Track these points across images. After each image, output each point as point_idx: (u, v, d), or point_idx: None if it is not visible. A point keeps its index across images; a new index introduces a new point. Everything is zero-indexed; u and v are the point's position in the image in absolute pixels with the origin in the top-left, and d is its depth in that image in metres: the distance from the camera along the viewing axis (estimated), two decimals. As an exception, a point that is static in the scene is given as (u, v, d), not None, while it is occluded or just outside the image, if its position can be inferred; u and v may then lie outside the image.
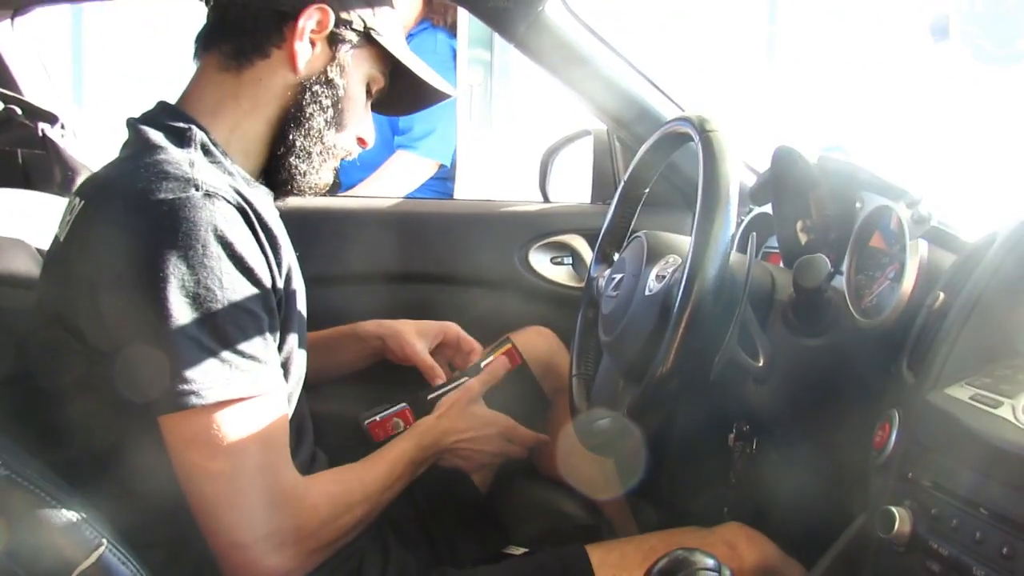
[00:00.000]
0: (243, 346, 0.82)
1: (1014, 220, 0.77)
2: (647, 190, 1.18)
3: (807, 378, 0.93)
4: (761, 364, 0.88)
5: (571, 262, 1.57)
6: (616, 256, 1.16)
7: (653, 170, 1.16)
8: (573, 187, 1.70)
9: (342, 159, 1.06)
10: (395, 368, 1.45)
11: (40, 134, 1.38)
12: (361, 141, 1.06)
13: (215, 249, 0.81)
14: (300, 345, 0.98)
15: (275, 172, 1.00)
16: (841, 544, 0.83)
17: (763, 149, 1.15)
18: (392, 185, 2.30)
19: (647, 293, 0.98)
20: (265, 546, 0.84)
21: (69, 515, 0.72)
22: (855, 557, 0.79)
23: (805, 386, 0.93)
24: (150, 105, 0.98)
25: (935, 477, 0.70)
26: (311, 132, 0.98)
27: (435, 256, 1.48)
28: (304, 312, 1.02)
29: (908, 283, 0.82)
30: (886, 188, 0.91)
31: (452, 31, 2.44)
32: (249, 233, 0.85)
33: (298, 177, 1.00)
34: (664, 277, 0.97)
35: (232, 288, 0.82)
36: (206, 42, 0.97)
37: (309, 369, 1.01)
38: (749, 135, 1.37)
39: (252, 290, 0.84)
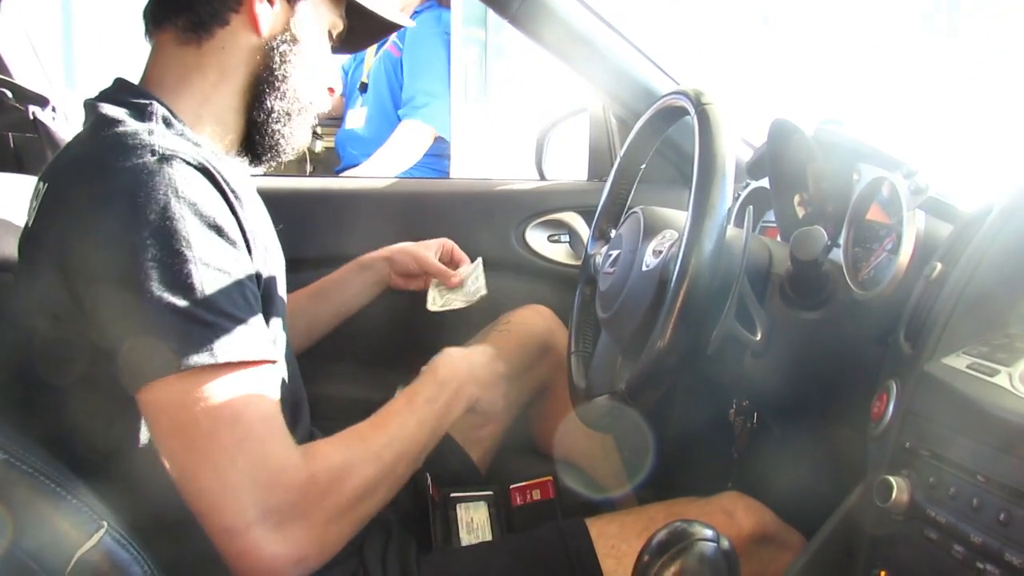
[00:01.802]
0: (223, 307, 0.76)
1: (1011, 190, 0.76)
2: (643, 166, 1.18)
3: (805, 351, 0.93)
4: (759, 338, 0.88)
5: (568, 240, 1.57)
6: (613, 232, 1.15)
7: (649, 146, 1.16)
8: (570, 164, 1.70)
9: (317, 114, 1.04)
10: (394, 348, 1.45)
11: (31, 117, 1.37)
12: (330, 90, 1.04)
13: (177, 210, 0.76)
14: (284, 328, 0.97)
15: (258, 140, 0.98)
16: (840, 514, 0.84)
17: (760, 123, 1.15)
18: (401, 151, 2.33)
19: (644, 269, 0.98)
20: (262, 529, 0.75)
21: (69, 499, 0.73)
22: (854, 526, 0.80)
23: (803, 359, 0.94)
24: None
25: (932, 446, 0.70)
26: (287, 93, 0.97)
27: (432, 235, 1.47)
28: (285, 297, 1.00)
29: (905, 254, 0.82)
30: (883, 160, 0.91)
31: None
32: (216, 193, 0.81)
33: (282, 142, 0.99)
34: (661, 252, 0.97)
35: (203, 248, 0.76)
36: (157, 18, 0.94)
37: (319, 317, 1.00)
38: (746, 109, 1.36)
39: (226, 249, 0.79)
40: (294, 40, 0.96)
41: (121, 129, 0.84)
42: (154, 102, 0.89)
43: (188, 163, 0.80)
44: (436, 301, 1.33)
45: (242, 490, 0.75)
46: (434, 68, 2.38)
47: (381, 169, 2.30)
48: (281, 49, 0.95)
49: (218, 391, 0.75)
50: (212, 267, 0.77)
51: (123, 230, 0.75)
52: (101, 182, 0.78)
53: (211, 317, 0.75)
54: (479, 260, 1.36)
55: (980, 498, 0.64)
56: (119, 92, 0.92)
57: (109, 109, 0.87)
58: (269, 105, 0.96)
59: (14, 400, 0.87)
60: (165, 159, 0.79)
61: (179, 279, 0.75)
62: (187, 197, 0.78)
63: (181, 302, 0.74)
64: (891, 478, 0.71)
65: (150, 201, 0.76)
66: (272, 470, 0.76)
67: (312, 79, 0.99)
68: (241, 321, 0.78)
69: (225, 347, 0.75)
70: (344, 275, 1.32)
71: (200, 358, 0.74)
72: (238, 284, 0.79)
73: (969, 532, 0.64)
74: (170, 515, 0.85)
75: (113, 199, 0.77)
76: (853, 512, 0.82)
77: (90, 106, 0.90)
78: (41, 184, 0.87)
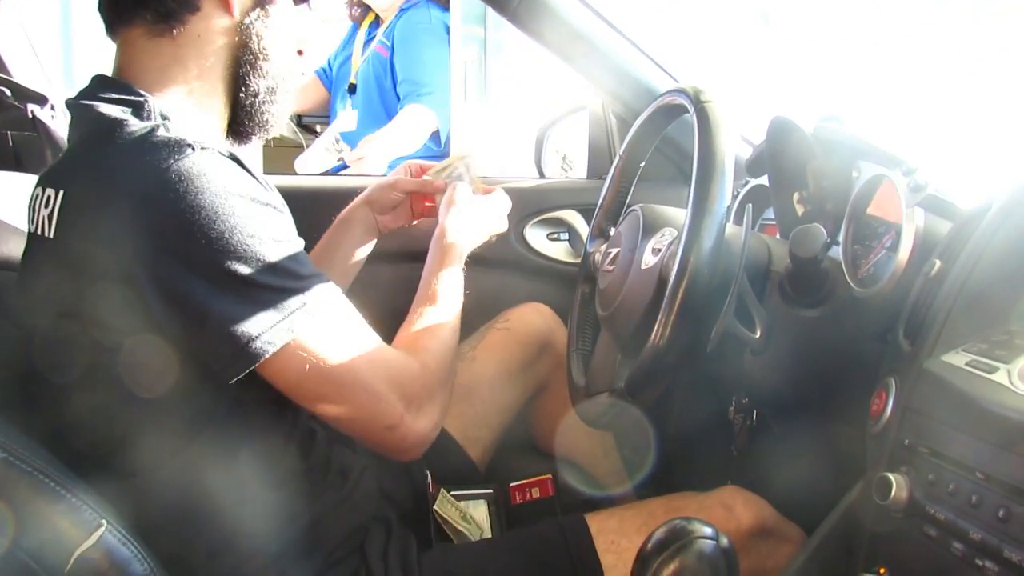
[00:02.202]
0: (299, 270, 0.83)
1: (1010, 187, 0.76)
2: (643, 164, 1.18)
3: (804, 348, 0.93)
4: (758, 335, 0.89)
5: (567, 238, 1.57)
6: (612, 231, 1.15)
7: (649, 143, 1.16)
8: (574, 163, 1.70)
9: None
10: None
11: (30, 115, 1.37)
12: (299, 52, 1.02)
13: (236, 196, 0.79)
14: None
15: (247, 121, 0.97)
16: (839, 511, 0.84)
17: (759, 121, 1.15)
18: (405, 133, 2.33)
19: (643, 267, 0.98)
20: (411, 415, 0.89)
21: (69, 497, 0.73)
22: (853, 523, 0.80)
23: (802, 357, 0.94)
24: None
25: (931, 443, 0.70)
26: (269, 71, 0.95)
27: (430, 232, 1.47)
28: None
29: (904, 252, 0.82)
30: (882, 157, 0.91)
31: (444, 5, 2.43)
32: (250, 175, 0.84)
33: (271, 119, 0.98)
34: (660, 250, 0.97)
35: (267, 227, 0.81)
36: (122, 13, 0.90)
37: None
38: (745, 106, 1.36)
39: (283, 221, 0.85)
40: (264, 12, 0.94)
41: (136, 128, 0.83)
42: (148, 98, 0.87)
43: (221, 153, 0.82)
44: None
45: (388, 393, 0.88)
46: (428, 63, 2.37)
47: (383, 148, 2.29)
48: (255, 25, 0.93)
49: (329, 334, 0.84)
50: (282, 241, 0.83)
51: (192, 227, 0.77)
52: (152, 184, 0.78)
53: (294, 283, 0.82)
54: (461, 152, 1.33)
55: (979, 495, 0.64)
56: (106, 90, 0.89)
57: (109, 109, 0.85)
58: (255, 87, 0.94)
59: (15, 398, 0.87)
60: (204, 150, 0.80)
61: (262, 260, 0.80)
62: (239, 182, 0.81)
63: (271, 279, 0.80)
64: (890, 475, 0.71)
65: (211, 193, 0.78)
66: (399, 369, 0.91)
67: (287, 48, 0.98)
68: (316, 276, 0.85)
69: (315, 299, 0.83)
70: (330, 240, 1.27)
71: (305, 319, 0.82)
72: (300, 248, 0.86)
73: (968, 529, 0.64)
74: (172, 512, 0.85)
75: (174, 199, 0.77)
76: (852, 509, 0.82)
77: (81, 107, 0.88)
78: (51, 191, 0.85)
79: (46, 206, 0.85)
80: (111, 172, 0.81)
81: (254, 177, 0.84)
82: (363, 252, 1.29)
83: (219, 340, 0.79)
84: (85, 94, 0.90)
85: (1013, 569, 0.60)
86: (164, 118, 0.86)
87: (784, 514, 1.06)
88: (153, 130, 0.82)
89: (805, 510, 1.04)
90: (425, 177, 1.28)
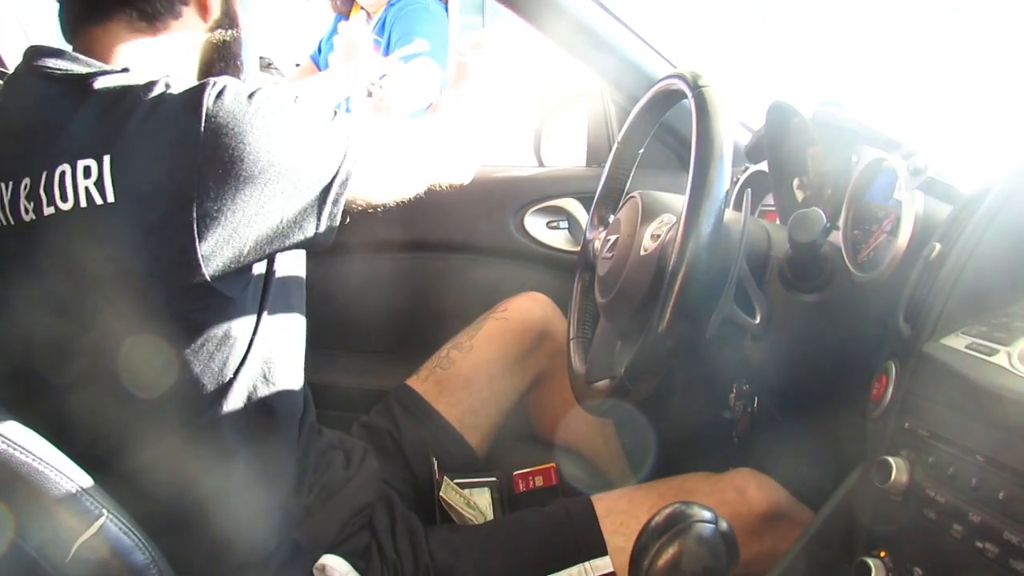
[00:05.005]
0: (337, 120, 0.89)
1: (1010, 170, 0.76)
2: (641, 151, 1.17)
3: (804, 334, 0.93)
4: (758, 321, 0.88)
5: (567, 226, 1.57)
6: (612, 218, 1.15)
7: (647, 130, 1.15)
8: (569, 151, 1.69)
9: None
10: (393, 338, 1.45)
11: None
12: None
13: (268, 97, 0.82)
14: (302, 311, 1.00)
15: None
16: (840, 495, 0.84)
17: (758, 106, 1.14)
18: (411, 85, 2.29)
19: (642, 253, 0.98)
20: (447, 164, 1.08)
21: (69, 487, 0.73)
22: (853, 507, 0.80)
23: (803, 342, 0.93)
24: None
25: (932, 426, 0.70)
26: (240, 53, 1.00)
27: (429, 222, 1.47)
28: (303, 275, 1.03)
29: (904, 236, 0.82)
30: (882, 141, 0.90)
31: None
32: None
33: None
34: (659, 236, 0.97)
35: (306, 107, 0.86)
36: (104, 8, 0.90)
37: None
38: (744, 91, 1.35)
39: (316, 106, 0.88)
40: (232, 10, 0.97)
41: (146, 83, 0.82)
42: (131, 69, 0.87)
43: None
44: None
45: (431, 161, 1.05)
46: (422, 33, 2.34)
47: (390, 98, 2.26)
48: (227, 28, 0.97)
49: (373, 147, 0.93)
50: (322, 110, 0.89)
51: (260, 149, 0.80)
52: (205, 124, 0.78)
53: (336, 128, 0.88)
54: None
55: (979, 477, 0.64)
56: (76, 63, 0.87)
57: (120, 79, 0.84)
58: (219, 72, 0.97)
59: (15, 396, 0.86)
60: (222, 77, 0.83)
61: (320, 130, 0.86)
62: (265, 90, 0.84)
63: (329, 137, 0.87)
64: (890, 459, 0.71)
65: (252, 109, 0.81)
66: (424, 140, 1.05)
67: (252, 34, 1.02)
68: (349, 127, 0.90)
69: (353, 129, 0.90)
70: None
71: (357, 146, 0.89)
72: (329, 113, 0.91)
73: (968, 511, 0.64)
74: (174, 510, 0.85)
75: (235, 129, 0.79)
76: (853, 493, 0.82)
77: (85, 80, 0.84)
78: (88, 162, 0.80)
79: (86, 177, 0.80)
80: (163, 121, 0.80)
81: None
82: None
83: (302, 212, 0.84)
84: (82, 73, 0.86)
85: (1013, 550, 0.60)
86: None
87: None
88: (163, 81, 0.83)
89: (806, 495, 1.04)
90: None
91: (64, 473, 0.74)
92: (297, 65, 3.00)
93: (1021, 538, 0.59)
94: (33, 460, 0.72)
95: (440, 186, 1.09)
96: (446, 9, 2.39)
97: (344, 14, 2.52)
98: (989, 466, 0.63)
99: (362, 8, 2.48)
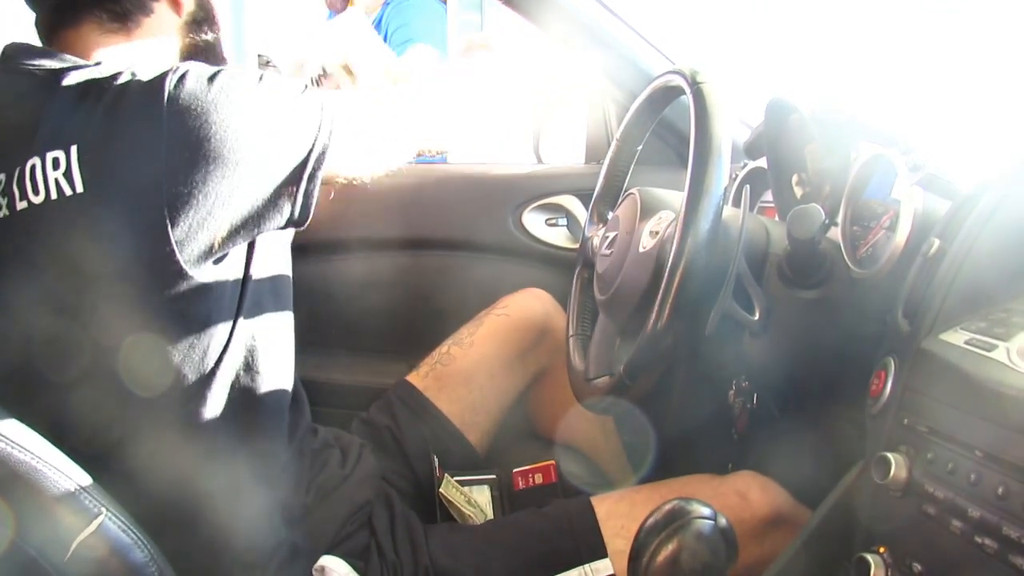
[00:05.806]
0: (307, 94, 0.87)
1: (1009, 166, 0.76)
2: (640, 147, 1.17)
3: (803, 330, 0.93)
4: (757, 318, 0.88)
5: (566, 223, 1.57)
6: (610, 215, 1.15)
7: (645, 127, 1.15)
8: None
9: None
10: (389, 337, 1.45)
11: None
12: None
13: (231, 76, 0.81)
14: (289, 308, 0.99)
15: None
16: (839, 491, 0.84)
17: (757, 102, 1.14)
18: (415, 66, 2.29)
19: (641, 250, 0.98)
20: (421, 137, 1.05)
21: (68, 485, 0.73)
22: (853, 503, 0.80)
23: (801, 338, 0.93)
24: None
25: (930, 422, 0.70)
26: (223, 56, 0.99)
27: (429, 220, 1.47)
28: (289, 273, 1.02)
29: (903, 232, 0.82)
30: (881, 137, 0.90)
31: None
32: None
33: None
34: (658, 233, 0.97)
35: (272, 84, 0.85)
36: (77, 8, 0.90)
37: None
38: (743, 88, 1.35)
39: (287, 83, 0.87)
40: (207, 4, 0.97)
41: (111, 71, 0.82)
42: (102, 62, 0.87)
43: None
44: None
45: (410, 132, 1.03)
46: (420, 30, 2.34)
47: (359, 66, 2.25)
48: (198, 16, 0.96)
49: (349, 119, 0.90)
50: (294, 91, 0.87)
51: (226, 129, 0.79)
52: (172, 109, 0.78)
53: (310, 105, 0.87)
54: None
55: (978, 473, 0.64)
56: (50, 57, 0.87)
57: (89, 72, 0.84)
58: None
59: (15, 394, 0.86)
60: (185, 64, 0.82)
61: (290, 104, 0.85)
62: (227, 71, 0.83)
63: (303, 112, 0.86)
64: (889, 455, 0.71)
65: (220, 87, 0.80)
66: (401, 110, 1.03)
67: (224, 26, 1.00)
68: (321, 100, 0.89)
69: (331, 109, 0.89)
70: None
71: (331, 117, 0.87)
72: (304, 97, 0.88)
73: (967, 507, 0.64)
74: (173, 509, 0.85)
75: (202, 110, 0.78)
76: (852, 489, 0.82)
77: (57, 75, 0.84)
78: (56, 153, 0.80)
79: (55, 168, 0.80)
80: (127, 107, 0.80)
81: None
82: None
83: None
84: (56, 69, 0.86)
85: (1012, 546, 0.60)
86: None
87: (788, 497, 1.06)
88: (128, 70, 0.82)
89: (806, 492, 1.04)
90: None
91: (63, 471, 0.73)
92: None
93: (1020, 533, 0.59)
94: (32, 459, 0.72)
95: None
96: (444, 6, 2.39)
97: (336, 10, 2.53)
98: (988, 462, 0.63)
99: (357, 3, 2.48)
